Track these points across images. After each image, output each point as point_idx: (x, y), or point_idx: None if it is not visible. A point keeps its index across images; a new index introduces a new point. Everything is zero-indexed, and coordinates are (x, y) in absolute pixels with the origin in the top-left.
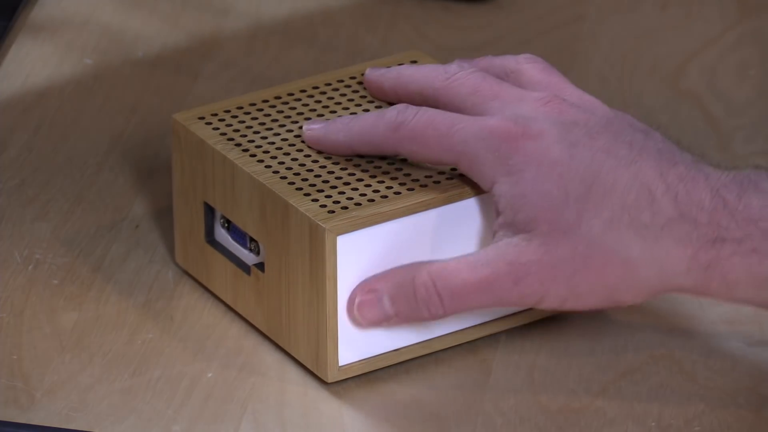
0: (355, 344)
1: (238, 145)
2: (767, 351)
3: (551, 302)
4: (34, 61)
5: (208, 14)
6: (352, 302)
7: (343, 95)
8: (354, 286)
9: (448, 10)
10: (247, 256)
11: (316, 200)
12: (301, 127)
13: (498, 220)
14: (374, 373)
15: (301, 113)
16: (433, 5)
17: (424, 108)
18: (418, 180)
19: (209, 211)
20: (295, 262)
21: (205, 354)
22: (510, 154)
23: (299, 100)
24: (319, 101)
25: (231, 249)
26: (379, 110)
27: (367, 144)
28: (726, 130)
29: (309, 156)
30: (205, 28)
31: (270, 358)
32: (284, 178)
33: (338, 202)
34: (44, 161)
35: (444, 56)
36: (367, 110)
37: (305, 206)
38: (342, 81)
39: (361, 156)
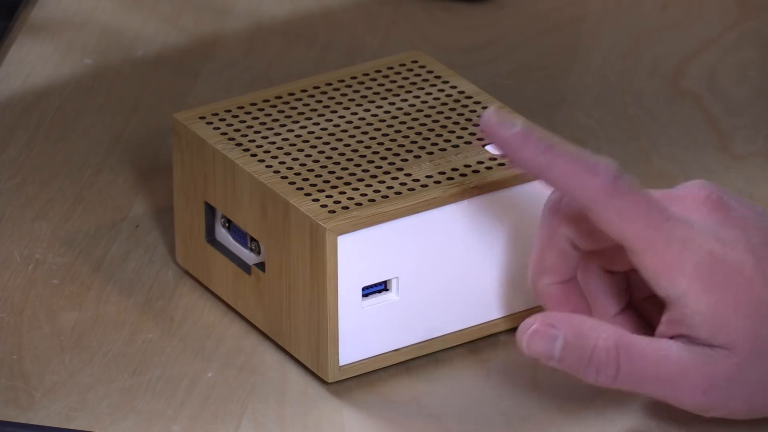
0: (356, 344)
1: (239, 144)
2: None
3: (719, 413)
4: (34, 61)
5: (208, 14)
6: (527, 326)
7: (344, 95)
8: (354, 286)
9: (448, 10)
10: (248, 256)
11: (317, 200)
12: (302, 127)
13: (684, 330)
14: (374, 373)
15: (302, 113)
16: (433, 5)
17: (630, 176)
18: (418, 180)
19: (210, 210)
20: (296, 262)
21: (205, 354)
22: (710, 272)
23: (300, 99)
24: (320, 101)
25: (232, 249)
26: (589, 157)
27: (565, 188)
28: (726, 130)
29: (310, 156)
30: (205, 28)
31: (270, 358)
32: (285, 177)
33: (339, 201)
34: (44, 161)
35: (444, 56)
36: (368, 110)
37: (306, 206)
38: (343, 81)
39: (362, 156)
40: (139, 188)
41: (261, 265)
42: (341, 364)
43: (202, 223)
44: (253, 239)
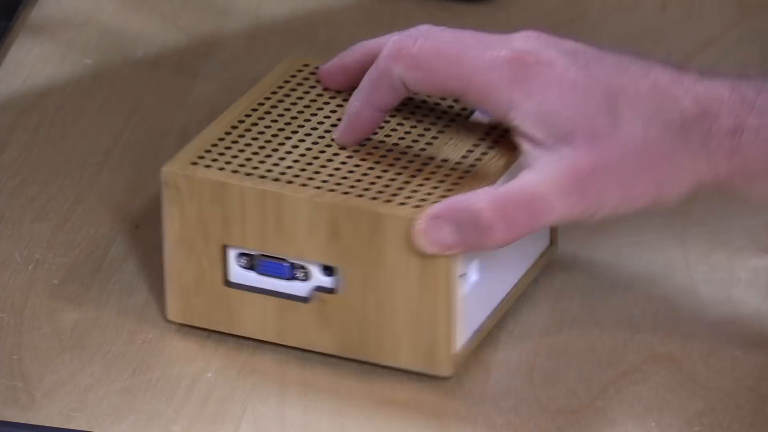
0: (462, 331)
1: (263, 177)
2: (767, 351)
3: (607, 209)
4: (34, 61)
5: (208, 14)
6: (415, 229)
7: (307, 92)
8: (456, 273)
9: (448, 10)
10: (294, 286)
11: (403, 204)
12: (301, 140)
13: (526, 142)
14: (374, 373)
15: (276, 121)
16: (433, 5)
17: (424, 35)
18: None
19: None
20: (394, 269)
21: (205, 354)
22: (527, 79)
23: (269, 112)
24: (291, 106)
25: (266, 285)
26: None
27: (377, 86)
28: None
29: (340, 169)
30: (205, 28)
31: (270, 358)
32: (347, 193)
33: (420, 198)
34: (44, 161)
35: None
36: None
37: (394, 210)
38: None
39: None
40: (139, 188)
41: (324, 290)
42: (455, 352)
43: (219, 269)
44: (298, 266)
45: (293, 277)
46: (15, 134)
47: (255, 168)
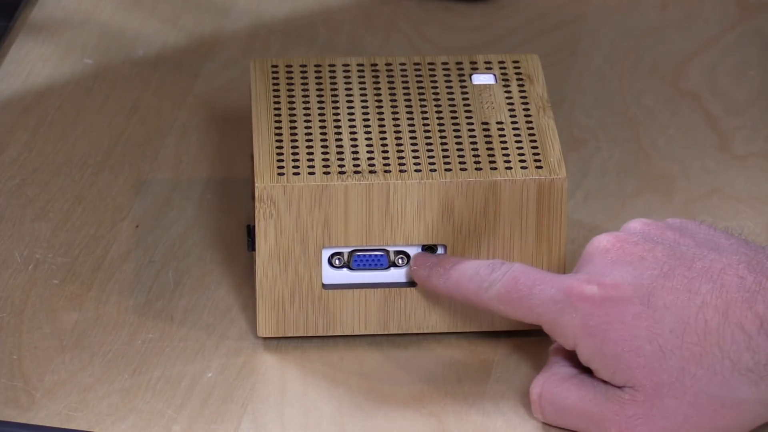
0: None
1: (357, 172)
2: None
3: None
4: (34, 61)
5: (208, 14)
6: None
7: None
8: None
9: (448, 10)
10: (396, 274)
11: (509, 168)
12: (346, 124)
13: (594, 372)
14: (374, 374)
15: (309, 121)
16: (433, 5)
17: (513, 266)
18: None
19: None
20: (507, 234)
21: (205, 354)
22: (589, 316)
23: (294, 115)
24: (306, 104)
25: (365, 280)
26: (479, 263)
27: (462, 298)
28: (726, 130)
29: (418, 150)
30: (205, 28)
31: (270, 358)
32: (449, 170)
33: (523, 160)
34: (44, 161)
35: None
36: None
37: (513, 175)
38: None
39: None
40: (139, 188)
41: None
42: None
43: (317, 273)
44: (396, 253)
45: (393, 265)
46: (15, 134)
47: (341, 166)
